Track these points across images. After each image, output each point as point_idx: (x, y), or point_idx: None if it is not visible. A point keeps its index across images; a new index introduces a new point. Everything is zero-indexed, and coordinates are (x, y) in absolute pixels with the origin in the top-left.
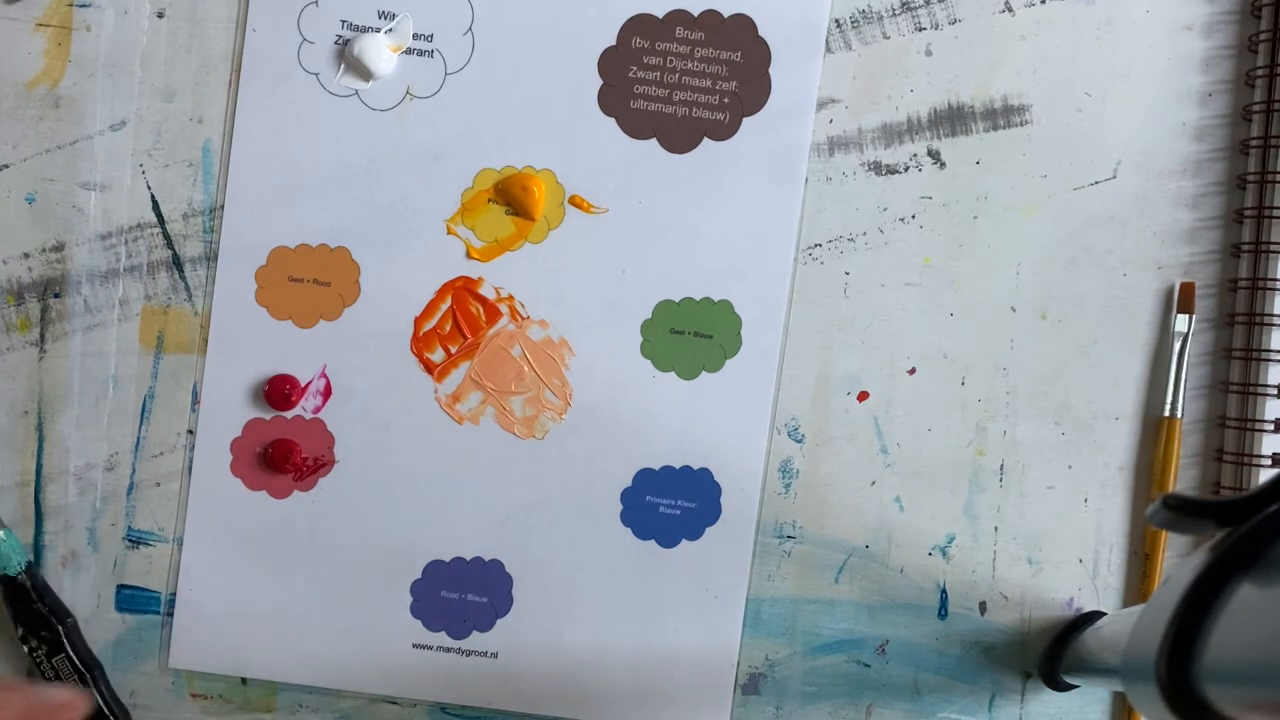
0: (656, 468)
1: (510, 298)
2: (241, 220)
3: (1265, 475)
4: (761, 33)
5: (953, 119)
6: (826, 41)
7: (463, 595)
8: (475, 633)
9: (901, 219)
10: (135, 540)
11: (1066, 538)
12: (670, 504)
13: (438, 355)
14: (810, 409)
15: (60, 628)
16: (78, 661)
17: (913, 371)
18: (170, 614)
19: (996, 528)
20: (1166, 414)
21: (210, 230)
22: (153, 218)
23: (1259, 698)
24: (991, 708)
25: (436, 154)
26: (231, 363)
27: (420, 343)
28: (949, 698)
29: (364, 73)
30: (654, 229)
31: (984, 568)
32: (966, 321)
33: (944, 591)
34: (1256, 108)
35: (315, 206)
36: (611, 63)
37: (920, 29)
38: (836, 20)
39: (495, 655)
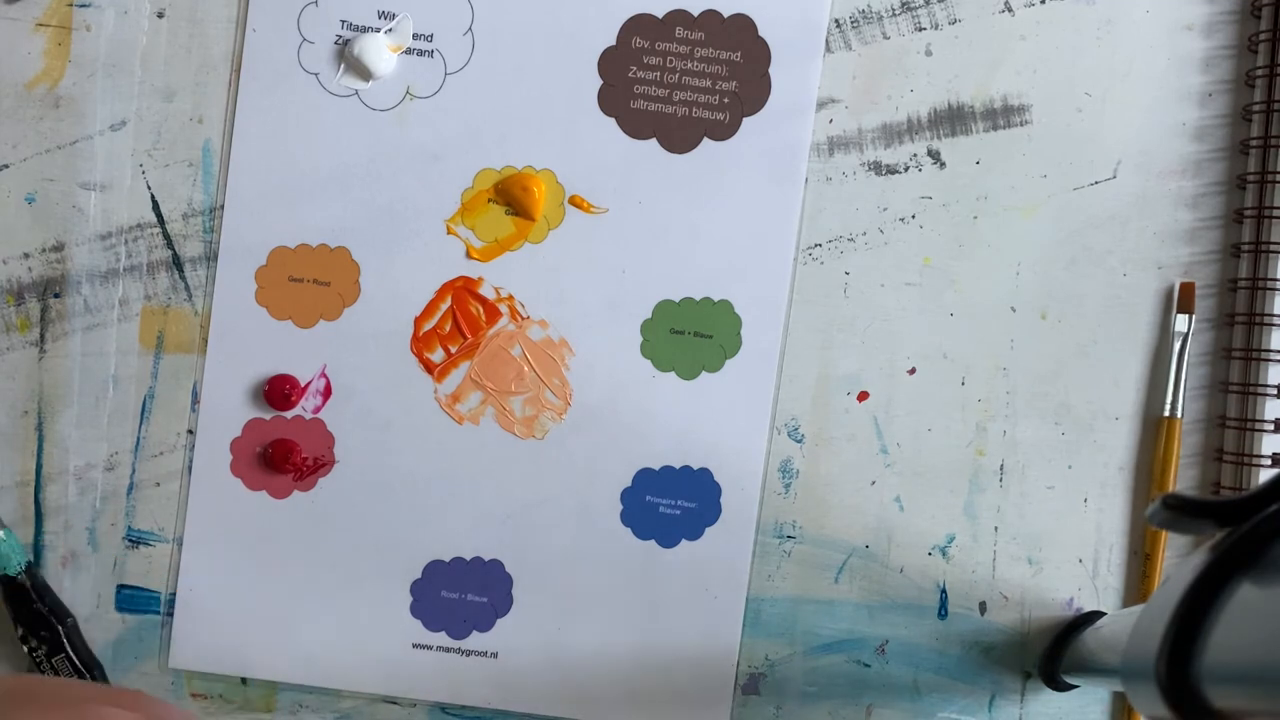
0: (656, 468)
1: (510, 298)
2: (241, 220)
3: (1265, 475)
4: (761, 33)
5: (953, 119)
6: (826, 41)
7: (463, 595)
8: (475, 633)
9: (901, 219)
10: (135, 540)
11: (1066, 538)
12: (670, 504)
13: (438, 355)
14: (810, 409)
15: (60, 628)
16: (78, 661)
17: (913, 371)
18: (170, 614)
19: (996, 528)
20: (1166, 414)
21: (210, 230)
22: (153, 218)
23: (1259, 698)
24: (991, 708)
25: (436, 154)
26: (231, 363)
27: (420, 343)
28: (949, 698)
29: (364, 73)
30: (654, 229)
31: (984, 568)
32: (966, 321)
33: (944, 591)
34: (1256, 108)
35: (315, 206)
36: (611, 63)
37: (920, 29)
38: (836, 20)
39: (495, 655)
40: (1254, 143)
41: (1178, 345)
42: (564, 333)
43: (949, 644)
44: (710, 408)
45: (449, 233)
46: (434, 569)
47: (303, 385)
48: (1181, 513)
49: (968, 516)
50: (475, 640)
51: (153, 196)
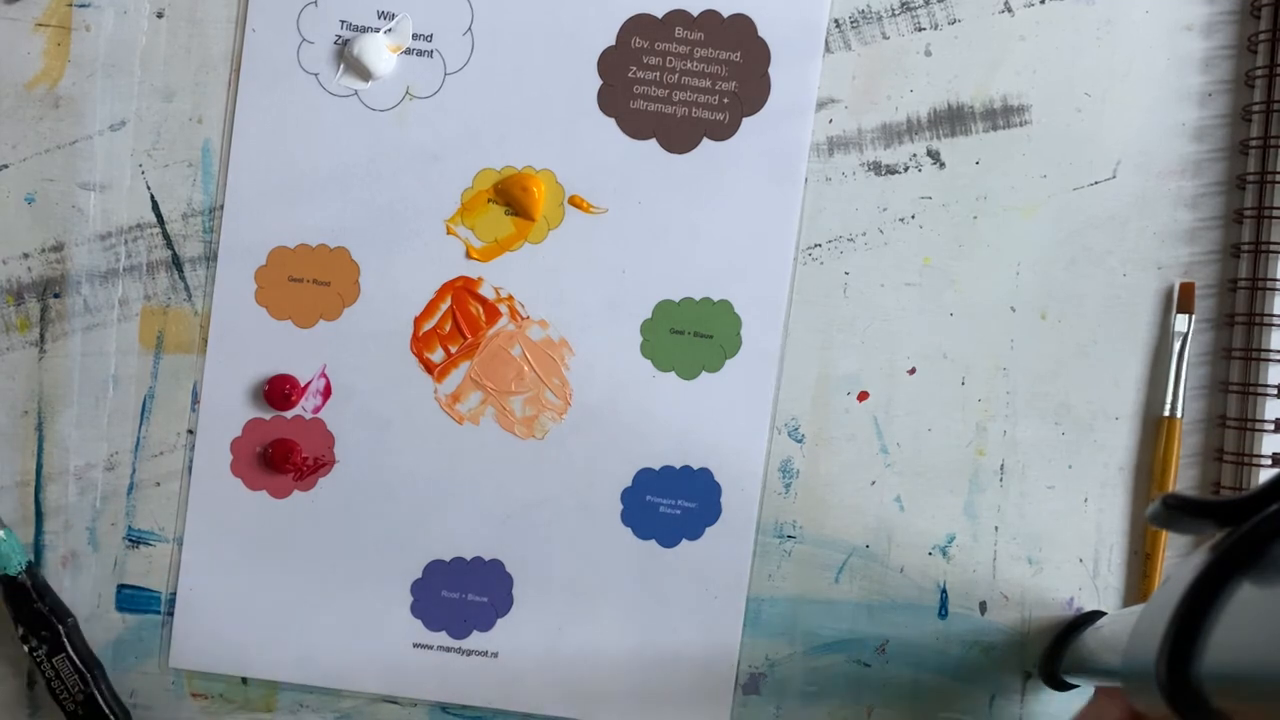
0: (656, 468)
1: (510, 298)
2: (241, 220)
3: (1265, 475)
4: (761, 33)
5: (952, 119)
6: (826, 41)
7: (463, 595)
8: (475, 632)
9: (901, 219)
10: (135, 540)
11: (1066, 537)
12: (670, 504)
13: (438, 355)
14: (810, 409)
15: (60, 628)
16: (78, 661)
17: (913, 371)
18: (170, 614)
19: (997, 527)
20: (1166, 414)
21: (210, 230)
22: (152, 218)
23: (1260, 697)
24: (991, 708)
25: (436, 154)
26: (231, 363)
27: (420, 343)
28: (949, 698)
29: (364, 73)
30: (654, 229)
31: (984, 567)
32: (966, 321)
33: (944, 591)
34: (1256, 108)
35: (315, 206)
36: (611, 63)
37: (920, 29)
38: (836, 20)
39: (495, 655)
40: (1254, 143)
41: (1177, 345)
42: (564, 333)
43: (949, 644)
44: (710, 408)
45: (449, 233)
46: (434, 569)
47: (303, 385)
48: (1181, 513)
49: (968, 516)
50: (475, 640)
51: (152, 196)
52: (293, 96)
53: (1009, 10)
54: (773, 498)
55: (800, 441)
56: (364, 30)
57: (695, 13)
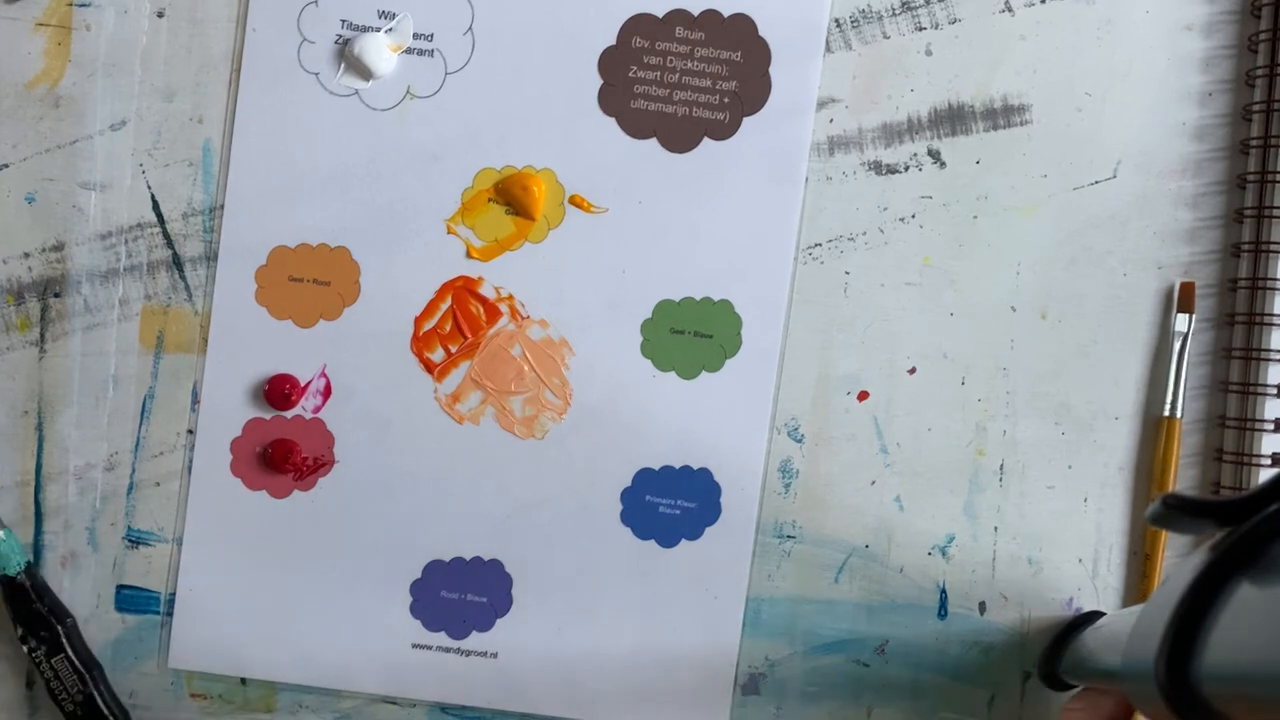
0: (656, 468)
1: (510, 297)
2: (241, 220)
3: (1265, 475)
4: (761, 32)
5: (953, 119)
6: (826, 41)
7: (462, 595)
8: (475, 633)
9: (901, 219)
10: (135, 540)
11: (1066, 538)
12: (670, 504)
13: (438, 355)
14: (810, 409)
15: (60, 628)
16: (77, 661)
17: (913, 371)
18: (170, 614)
19: (996, 528)
20: (1166, 414)
21: (210, 230)
22: (153, 217)
23: (1259, 698)
24: (991, 708)
25: (436, 154)
26: (231, 362)
27: (420, 342)
28: (949, 698)
29: (364, 72)
30: (654, 229)
31: (984, 568)
32: (966, 321)
33: (944, 591)
34: (1256, 108)
35: (315, 206)
36: (611, 63)
37: (920, 29)
38: (836, 20)
39: (495, 655)
40: (1254, 143)
41: (1178, 345)
42: (564, 332)
43: (948, 644)
44: (710, 408)
45: (449, 232)
46: (434, 569)
47: (303, 385)
48: (1181, 513)
49: (968, 516)
50: (475, 640)
51: (153, 196)
52: (293, 96)
53: (1009, 10)
54: (772, 498)
55: (800, 441)
56: (364, 30)
57: (696, 12)
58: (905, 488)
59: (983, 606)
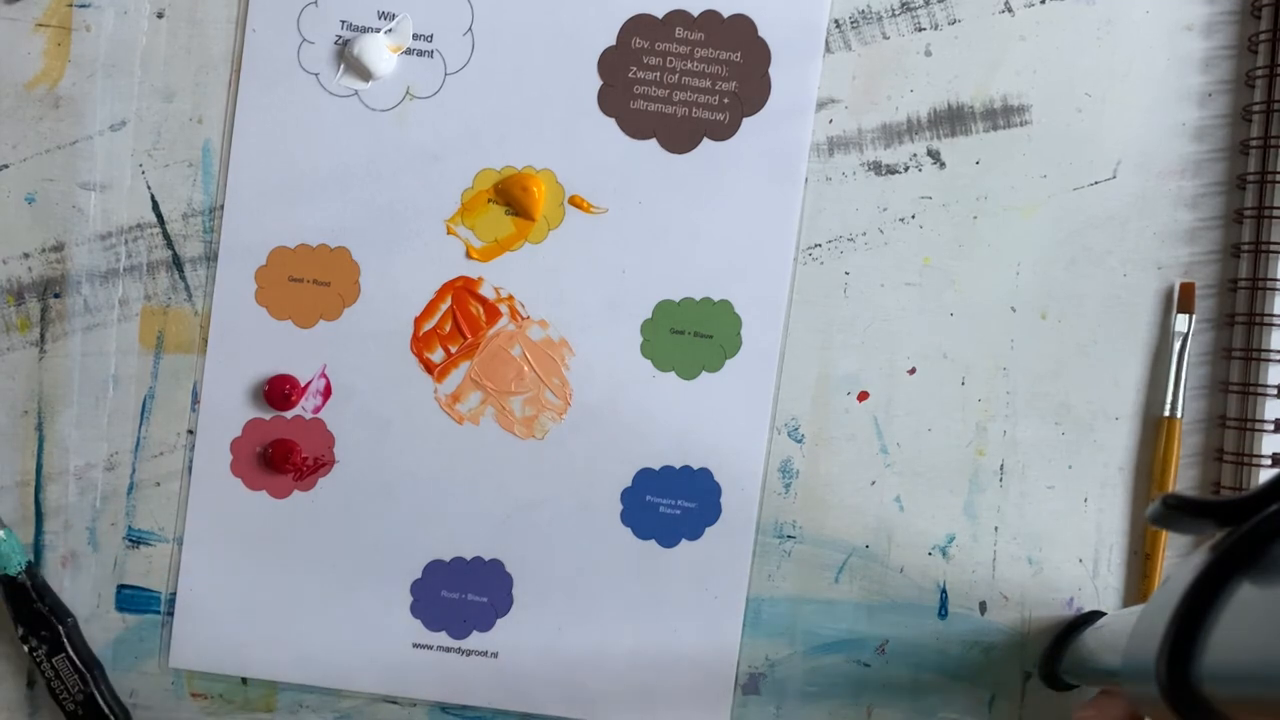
0: (656, 468)
1: (510, 298)
2: (241, 220)
3: (1265, 475)
4: (761, 33)
5: (952, 119)
6: (826, 41)
7: (463, 595)
8: (475, 632)
9: (901, 219)
10: (135, 540)
11: (1066, 538)
12: (670, 504)
13: (438, 355)
14: (810, 409)
15: (60, 628)
16: (78, 661)
17: (913, 371)
18: (170, 614)
19: (996, 528)
20: (1166, 414)
21: (210, 230)
22: (153, 218)
23: (1259, 698)
24: (991, 708)
25: (436, 154)
26: (231, 363)
27: (420, 343)
28: (949, 698)
29: (364, 73)
30: (654, 229)
31: (984, 568)
32: (966, 321)
33: (944, 591)
34: (1256, 108)
35: (315, 206)
36: (611, 63)
37: (920, 29)
38: (836, 20)
39: (495, 655)
40: (1254, 143)
41: (1178, 345)
42: (564, 333)
43: (949, 644)
44: (710, 408)
45: (449, 233)
46: (434, 569)
47: (303, 385)
48: (1181, 513)
49: (968, 516)
50: (475, 640)
51: (153, 196)
52: (293, 96)
53: (1009, 10)
54: (772, 498)
55: (800, 441)
56: (364, 30)
57: (695, 13)
58: (905, 488)
59: (983, 606)
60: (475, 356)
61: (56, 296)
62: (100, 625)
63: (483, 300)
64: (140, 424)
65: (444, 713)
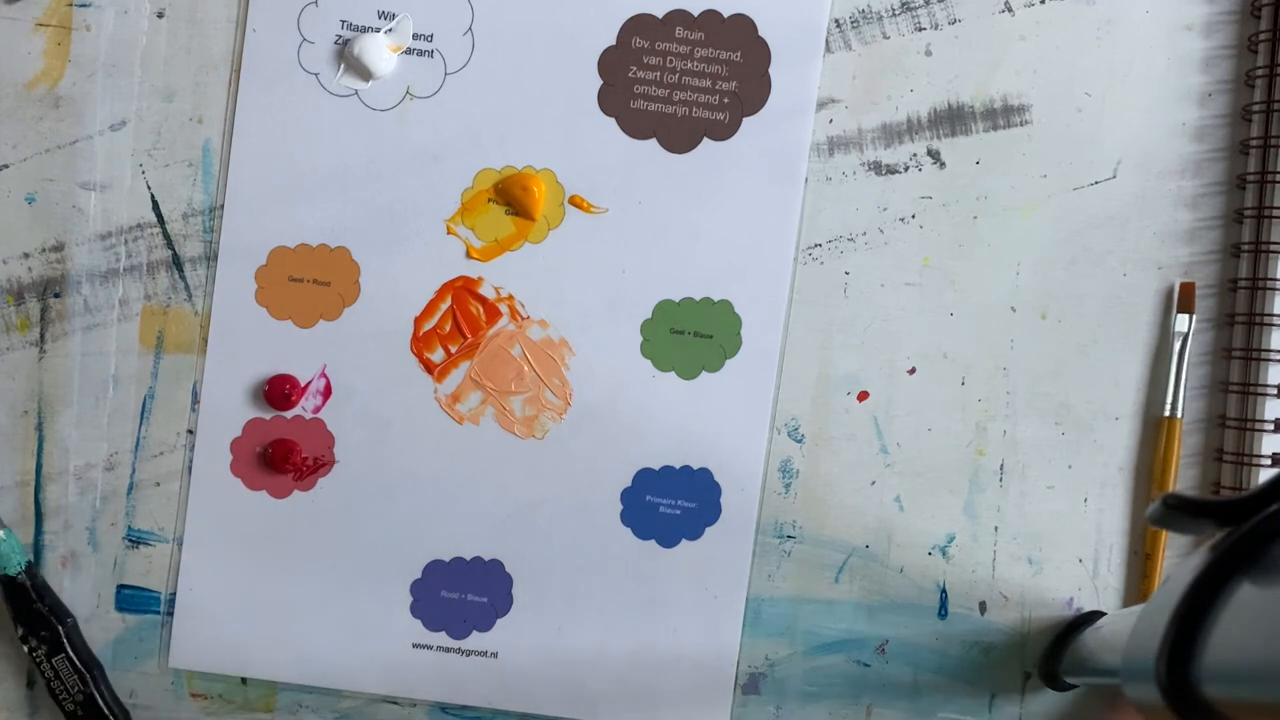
0: (656, 468)
1: (510, 298)
2: (241, 220)
3: (1265, 475)
4: (761, 33)
5: (953, 119)
6: (826, 41)
7: (463, 595)
8: (475, 633)
9: (901, 219)
10: (135, 540)
11: (1066, 538)
12: (670, 504)
13: (438, 355)
14: (810, 409)
15: (60, 628)
16: (78, 661)
17: (913, 371)
18: (170, 614)
19: (996, 528)
20: (1167, 414)
21: (210, 230)
22: (153, 218)
23: (1259, 698)
24: (991, 708)
25: (436, 154)
26: (231, 363)
27: (420, 343)
28: (949, 698)
29: (364, 73)
30: (654, 229)
31: (984, 568)
32: (966, 321)
33: (944, 591)
34: (1256, 108)
35: (315, 206)
36: (611, 63)
37: (920, 29)
38: (836, 20)
39: (495, 655)
40: (1254, 143)
41: (1178, 345)
42: (564, 333)
43: (949, 644)
44: (710, 408)
45: (449, 233)
46: (434, 569)
47: (303, 385)
48: (1181, 513)
49: (968, 516)
50: (475, 640)
51: (153, 196)
52: (293, 96)
53: (1009, 10)
54: (772, 498)
55: (800, 441)
56: (364, 30)
57: (695, 13)
58: (905, 488)
59: (983, 606)
60: (475, 356)
61: (56, 296)
62: (100, 625)
63: (483, 300)
64: (140, 424)
65: (444, 713)
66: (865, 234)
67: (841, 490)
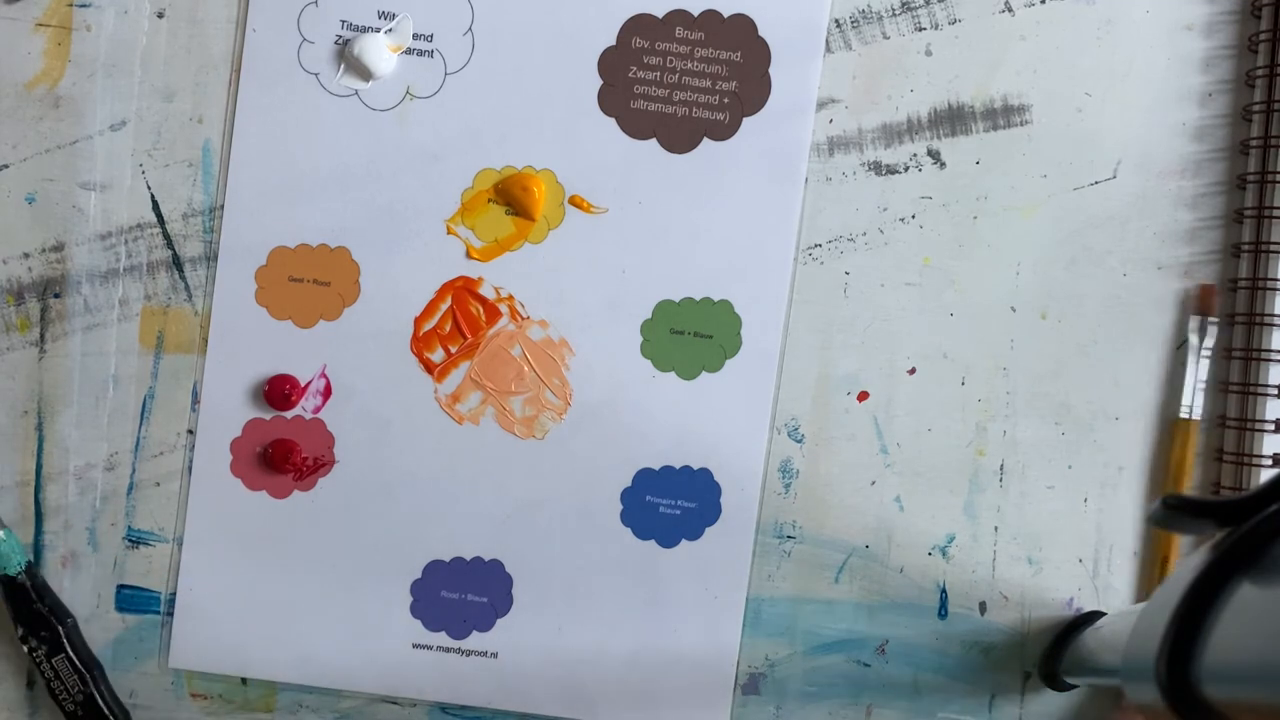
0: (656, 468)
1: (510, 298)
2: (241, 220)
3: (1265, 475)
4: (761, 33)
5: (953, 119)
6: (826, 41)
7: (463, 595)
8: (475, 633)
9: (901, 219)
10: (135, 540)
11: (1066, 538)
12: (670, 504)
13: (438, 355)
14: (810, 409)
15: (60, 628)
16: (78, 661)
17: (913, 371)
18: (170, 614)
19: (996, 528)
20: (1183, 416)
21: (210, 230)
22: (153, 218)
23: (1259, 698)
24: (991, 708)
25: (436, 154)
26: (231, 363)
27: (420, 343)
28: (949, 698)
29: (364, 73)
30: (654, 229)
31: (984, 568)
32: (966, 321)
33: (944, 591)
34: (1256, 108)
35: (315, 206)
36: (611, 63)
37: (920, 29)
38: (836, 20)
39: (495, 655)
40: (1254, 143)
41: (1195, 343)
42: (564, 333)
43: (949, 644)
44: (710, 408)
45: (449, 233)
46: (434, 569)
47: (303, 385)
48: (1181, 513)
49: (968, 516)
50: (475, 640)
51: (153, 196)
52: (293, 96)
53: (1009, 10)
54: (772, 498)
55: (800, 441)
56: (364, 30)
57: (695, 13)
58: (905, 488)
59: (983, 606)
60: (475, 356)
61: (56, 296)
62: (100, 625)
63: (483, 300)
64: (140, 424)
65: (444, 713)
66: (865, 234)
67: (841, 490)
